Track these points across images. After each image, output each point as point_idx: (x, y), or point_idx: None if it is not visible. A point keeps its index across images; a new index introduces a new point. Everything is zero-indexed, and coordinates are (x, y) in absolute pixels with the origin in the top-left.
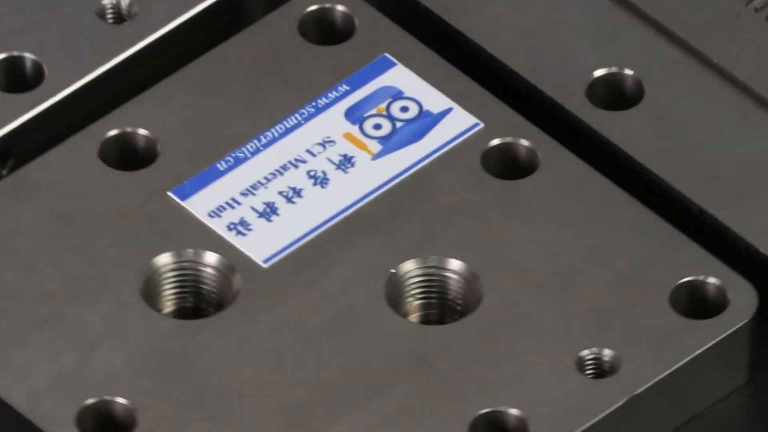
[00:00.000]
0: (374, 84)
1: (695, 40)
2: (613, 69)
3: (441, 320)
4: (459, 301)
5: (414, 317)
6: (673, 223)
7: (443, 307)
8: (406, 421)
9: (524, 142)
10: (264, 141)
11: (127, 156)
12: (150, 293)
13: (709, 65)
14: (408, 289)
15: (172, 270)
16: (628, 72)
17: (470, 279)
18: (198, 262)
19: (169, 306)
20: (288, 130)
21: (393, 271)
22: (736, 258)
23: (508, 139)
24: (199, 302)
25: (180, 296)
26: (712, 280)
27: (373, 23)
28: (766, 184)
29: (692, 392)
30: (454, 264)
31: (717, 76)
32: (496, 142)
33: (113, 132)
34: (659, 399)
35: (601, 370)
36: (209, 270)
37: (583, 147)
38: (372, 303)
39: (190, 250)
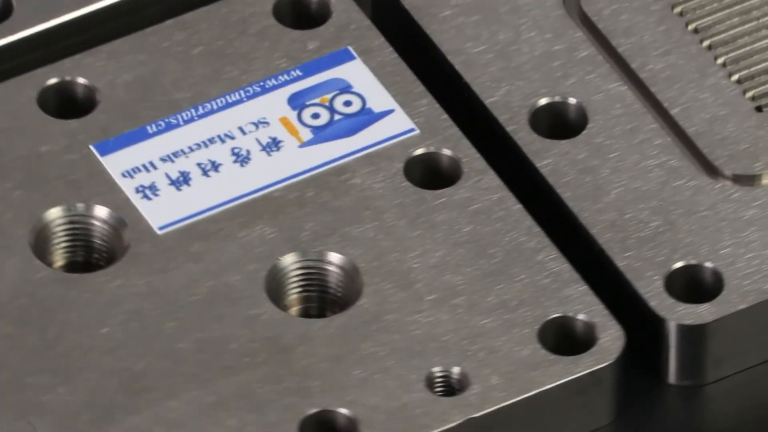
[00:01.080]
0: (327, 74)
1: (653, 84)
2: (557, 98)
3: (321, 314)
4: (339, 296)
5: (295, 310)
6: (578, 259)
7: (323, 300)
8: (241, 406)
9: (448, 153)
10: (201, 111)
11: (66, 105)
12: (39, 243)
13: (659, 110)
14: (289, 280)
15: (63, 223)
16: (572, 101)
17: (351, 276)
18: (89, 216)
19: (60, 258)
20: (228, 105)
21: (280, 258)
22: (622, 302)
23: (432, 149)
24: (89, 257)
25: (70, 250)
26: (582, 317)
27: (347, 15)
28: (671, 234)
29: (545, 426)
30: (335, 258)
31: (662, 120)
32: (421, 151)
33: (54, 80)
34: (503, 427)
35: (451, 389)
36: (99, 225)
37: (517, 170)
38: (249, 287)
39: (80, 205)
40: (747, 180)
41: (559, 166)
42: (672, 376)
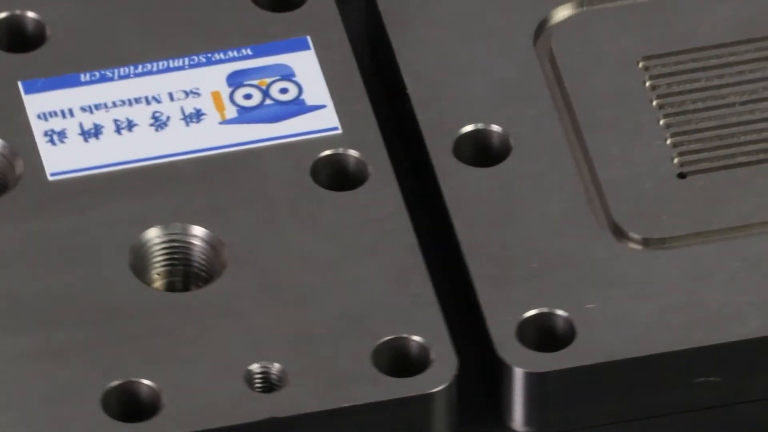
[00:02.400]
0: (275, 59)
1: (588, 130)
2: (480, 125)
3: (186, 288)
4: (203, 272)
5: (159, 280)
6: (454, 287)
7: (187, 274)
8: (54, 363)
9: (356, 157)
10: (139, 71)
11: (16, 40)
12: None
13: (585, 157)
14: (153, 253)
15: None
16: (498, 131)
17: (216, 252)
18: None
19: None
20: (168, 69)
21: (163, 227)
22: (479, 338)
23: (341, 150)
24: None
25: None
26: (420, 341)
27: (320, 5)
28: (544, 280)
29: None
30: (199, 231)
31: (583, 167)
32: (330, 151)
33: (5, 13)
34: None
35: (268, 385)
36: None
37: (428, 189)
38: (114, 251)
39: None
40: (641, 241)
41: (464, 192)
42: (512, 421)
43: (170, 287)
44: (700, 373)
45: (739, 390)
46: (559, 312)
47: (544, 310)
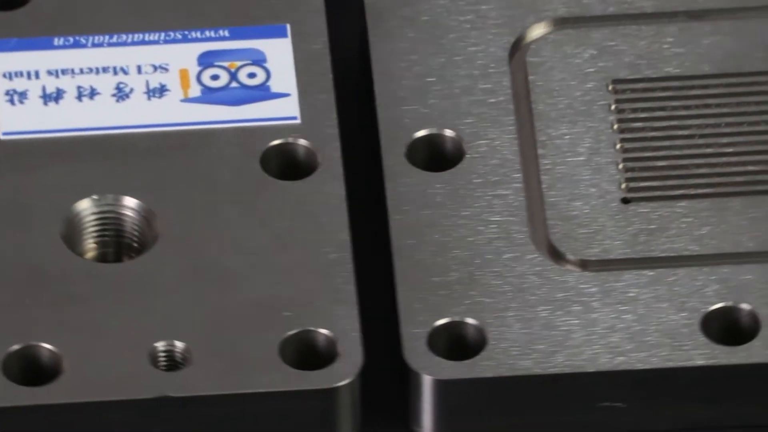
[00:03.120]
0: (250, 43)
1: (542, 146)
2: (434, 130)
3: (118, 259)
4: (135, 245)
5: (93, 253)
6: (381, 289)
7: (119, 245)
8: None
9: (306, 147)
10: (113, 40)
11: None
12: None
13: (534, 173)
14: (85, 223)
15: None
16: (451, 137)
17: (148, 223)
18: None
19: None
20: (142, 42)
21: (96, 197)
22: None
23: (291, 140)
24: None
25: None
26: (329, 335)
27: None
28: (466, 289)
29: (258, 428)
30: (131, 203)
31: (530, 183)
32: (281, 140)
33: None
34: (206, 416)
35: (172, 363)
36: None
37: (378, 187)
38: (48, 217)
39: None
40: (573, 262)
41: (408, 194)
42: (420, 427)
43: (103, 258)
44: (605, 397)
45: (643, 418)
46: (471, 321)
47: (457, 318)
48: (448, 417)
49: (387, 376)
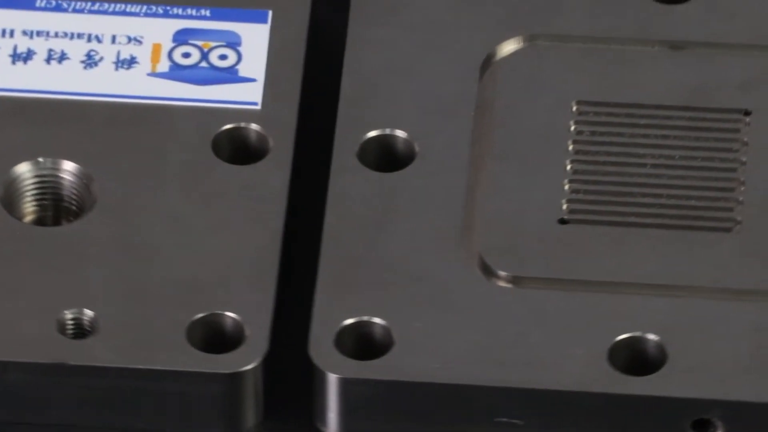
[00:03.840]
0: (228, 25)
1: (492, 159)
2: (387, 130)
3: (57, 223)
4: (73, 209)
5: (33, 216)
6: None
7: (58, 209)
8: None
9: (257, 131)
10: (95, 8)
11: None
12: None
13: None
14: (23, 186)
15: None
16: (403, 138)
17: (86, 191)
18: None
19: None
20: (122, 13)
21: (41, 159)
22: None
23: (242, 125)
24: None
25: None
26: (237, 318)
27: None
28: (389, 289)
29: (152, 409)
30: (70, 167)
31: (478, 190)
32: (232, 125)
33: None
34: (107, 389)
35: (79, 331)
36: None
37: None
38: None
39: None
40: (498, 276)
41: (350, 191)
42: (324, 425)
43: (41, 221)
44: (504, 413)
45: None
46: (379, 322)
47: (366, 318)
48: (350, 416)
49: (299, 371)
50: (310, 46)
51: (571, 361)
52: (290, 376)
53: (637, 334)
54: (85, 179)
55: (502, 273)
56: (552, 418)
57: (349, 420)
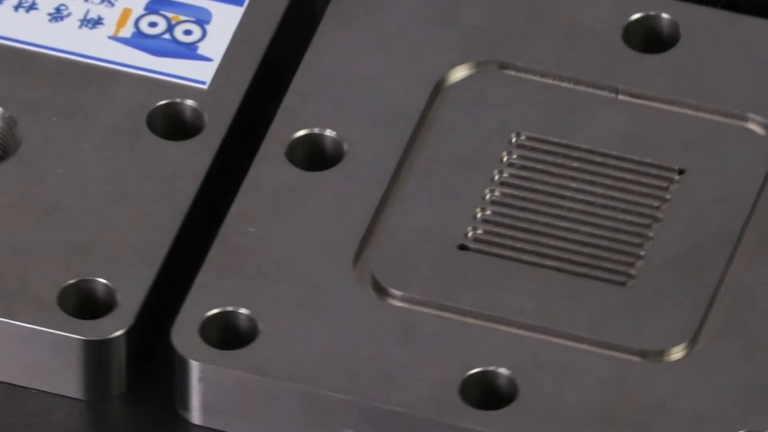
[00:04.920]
0: (204, 2)
1: (418, 173)
2: (316, 130)
3: None
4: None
5: None
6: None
7: None
8: None
9: (192, 107)
10: None
11: None
12: None
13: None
14: None
15: None
16: (331, 137)
17: (10, 131)
18: None
19: None
20: None
21: None
22: None
23: (178, 100)
24: None
25: None
26: (107, 284)
27: None
28: (268, 284)
29: (19, 363)
30: None
31: (390, 204)
32: (167, 101)
33: None
34: None
35: None
36: None
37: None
38: None
39: None
40: (377, 289)
41: (265, 183)
42: (181, 407)
43: None
44: (349, 424)
45: None
46: (247, 314)
47: (233, 309)
48: (207, 403)
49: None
50: (302, 37)
51: (422, 386)
52: (165, 356)
53: (491, 368)
54: (10, 125)
55: (385, 287)
56: None
57: (205, 407)
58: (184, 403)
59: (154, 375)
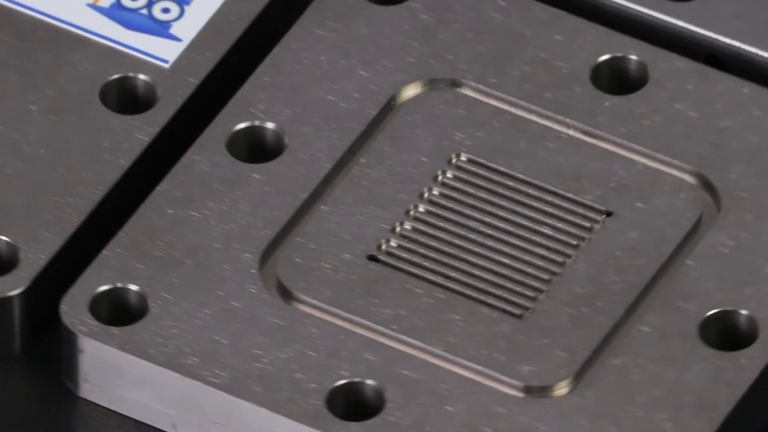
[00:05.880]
0: None
1: (350, 180)
2: (257, 123)
3: None
4: None
5: None
6: None
7: None
8: None
9: (144, 81)
10: None
11: None
12: None
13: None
14: None
15: None
16: (271, 130)
17: None
18: None
19: None
20: None
21: None
22: None
23: (131, 74)
24: None
25: None
26: (11, 242)
27: None
28: (171, 268)
29: None
30: None
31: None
32: (120, 75)
33: None
34: None
35: None
36: None
37: None
38: None
39: None
40: (277, 288)
41: (199, 168)
42: (67, 377)
43: None
44: (210, 415)
45: None
46: (138, 292)
47: (124, 286)
48: (88, 378)
49: None
50: (277, 34)
51: (290, 388)
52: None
53: (357, 380)
54: None
55: (288, 288)
56: None
57: (87, 380)
58: (70, 374)
59: (54, 342)
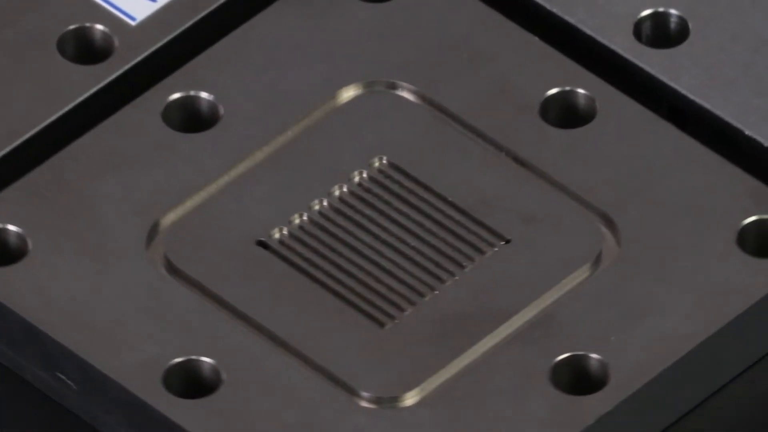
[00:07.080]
0: None
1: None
2: (193, 92)
3: None
4: None
5: None
6: None
7: None
8: None
9: (101, 32)
10: None
11: None
12: None
13: None
14: None
15: None
16: (207, 98)
17: None
18: None
19: None
20: None
21: None
22: None
23: (87, 24)
24: None
25: None
26: None
27: None
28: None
29: None
30: None
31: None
32: (76, 25)
33: None
34: None
35: None
36: None
37: None
38: None
39: None
40: (168, 268)
41: (125, 129)
42: None
43: None
44: (64, 371)
45: None
46: (17, 231)
47: (7, 227)
48: None
49: None
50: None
51: (137, 359)
52: None
53: (193, 357)
54: None
55: (172, 262)
56: (100, 398)
57: None
58: None
59: None
